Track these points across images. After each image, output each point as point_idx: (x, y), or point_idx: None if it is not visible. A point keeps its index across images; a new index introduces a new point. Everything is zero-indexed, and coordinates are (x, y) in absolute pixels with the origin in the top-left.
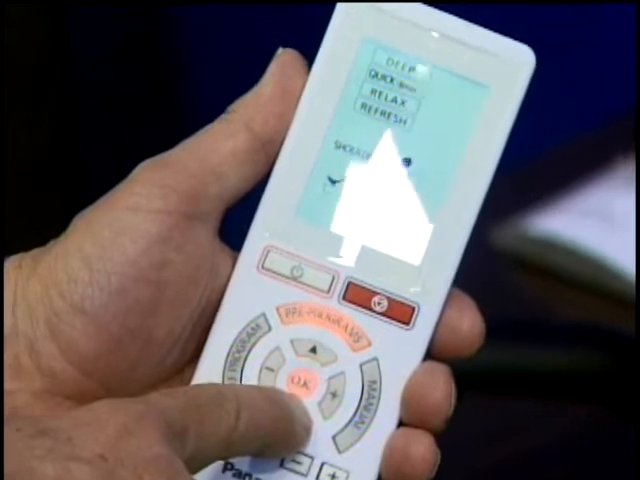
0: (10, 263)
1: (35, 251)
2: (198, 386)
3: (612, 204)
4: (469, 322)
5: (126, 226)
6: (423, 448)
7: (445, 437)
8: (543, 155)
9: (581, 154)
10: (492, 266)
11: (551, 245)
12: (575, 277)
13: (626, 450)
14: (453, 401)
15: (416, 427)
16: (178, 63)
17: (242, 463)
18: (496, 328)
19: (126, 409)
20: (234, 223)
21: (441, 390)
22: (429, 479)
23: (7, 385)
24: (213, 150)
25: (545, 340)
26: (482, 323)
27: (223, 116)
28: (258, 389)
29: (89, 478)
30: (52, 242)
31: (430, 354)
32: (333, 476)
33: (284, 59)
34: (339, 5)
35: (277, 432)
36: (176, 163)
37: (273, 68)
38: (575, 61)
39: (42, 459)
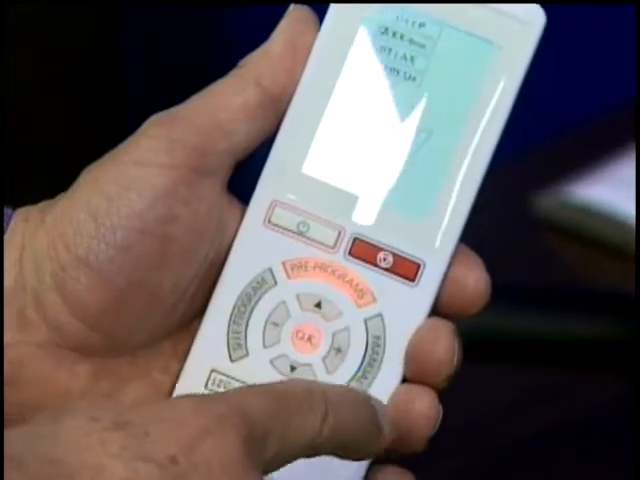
0: (18, 216)
1: (43, 204)
2: (288, 383)
3: None
4: (475, 279)
5: (133, 180)
6: (425, 404)
7: (467, 405)
8: (584, 125)
9: (621, 124)
10: (533, 233)
11: (591, 213)
12: (614, 245)
13: None
14: (457, 358)
15: (419, 383)
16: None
17: None
18: (532, 294)
19: (208, 409)
20: (250, 177)
21: (444, 346)
22: (430, 435)
23: (11, 337)
24: (222, 105)
25: (577, 308)
26: (488, 281)
27: (233, 71)
28: (347, 389)
29: None
30: (60, 195)
31: (436, 310)
32: None
33: (295, 15)
34: None
35: (361, 437)
36: (185, 118)
37: (284, 24)
38: (611, 39)
39: (114, 457)
